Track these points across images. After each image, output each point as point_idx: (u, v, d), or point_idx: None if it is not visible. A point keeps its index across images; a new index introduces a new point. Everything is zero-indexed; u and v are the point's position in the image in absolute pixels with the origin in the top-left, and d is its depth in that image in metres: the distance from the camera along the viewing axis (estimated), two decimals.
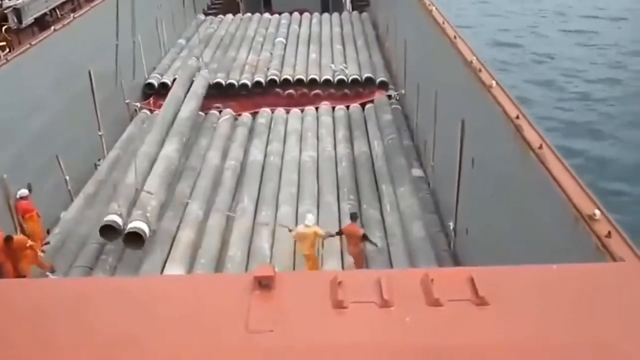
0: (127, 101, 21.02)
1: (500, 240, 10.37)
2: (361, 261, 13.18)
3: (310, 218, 13.41)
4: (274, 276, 4.18)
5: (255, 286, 4.10)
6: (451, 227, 13.33)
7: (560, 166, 8.29)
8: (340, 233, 13.26)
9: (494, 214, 10.70)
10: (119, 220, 13.49)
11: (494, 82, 10.92)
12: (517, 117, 9.59)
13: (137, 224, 13.45)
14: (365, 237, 13.00)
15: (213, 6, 35.86)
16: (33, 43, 15.43)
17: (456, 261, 12.92)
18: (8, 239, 11.87)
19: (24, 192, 13.49)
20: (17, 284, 6.11)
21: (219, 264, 13.85)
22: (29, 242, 12.12)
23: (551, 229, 8.42)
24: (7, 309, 4.26)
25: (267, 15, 32.08)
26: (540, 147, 8.70)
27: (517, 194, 9.58)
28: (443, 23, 14.88)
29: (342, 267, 13.35)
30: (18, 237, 12.16)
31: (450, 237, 13.47)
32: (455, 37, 13.71)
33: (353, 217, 13.39)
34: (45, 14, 19.37)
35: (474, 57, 12.33)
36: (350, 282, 4.05)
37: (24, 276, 12.01)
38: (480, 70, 11.63)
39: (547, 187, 8.29)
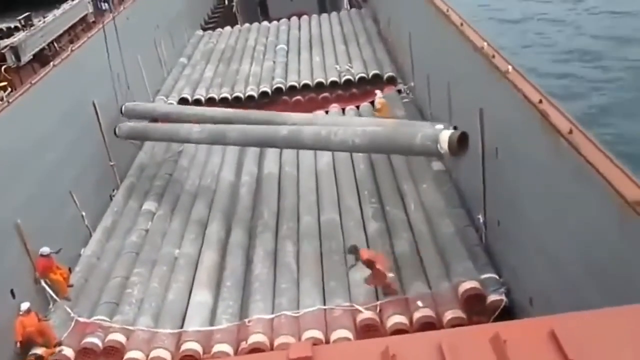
0: None
1: (536, 230, 9.88)
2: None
3: (380, 93, 19.37)
4: (312, 356, 3.52)
5: None
6: (481, 220, 12.82)
7: (595, 150, 7.79)
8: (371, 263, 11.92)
9: (526, 204, 10.21)
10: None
11: (509, 67, 10.42)
12: (540, 102, 9.10)
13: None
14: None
15: (210, 20, 35.51)
16: (33, 82, 15.16)
17: (490, 255, 12.42)
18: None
19: (45, 250, 13.07)
20: None
21: (245, 285, 13.48)
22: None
23: (592, 217, 7.92)
24: None
25: (265, 23, 31.67)
26: (571, 131, 8.21)
27: (550, 182, 9.09)
28: (447, 11, 14.39)
29: None
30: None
31: (481, 231, 12.96)
32: (461, 24, 13.22)
33: (353, 250, 12.24)
34: (43, 48, 19.19)
35: (485, 43, 11.84)
36: (406, 353, 3.38)
37: None
38: (493, 56, 11.14)
39: (583, 173, 7.81)
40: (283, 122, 15.48)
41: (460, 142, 11.25)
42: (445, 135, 11.23)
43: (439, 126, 11.75)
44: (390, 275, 12.27)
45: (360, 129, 13.04)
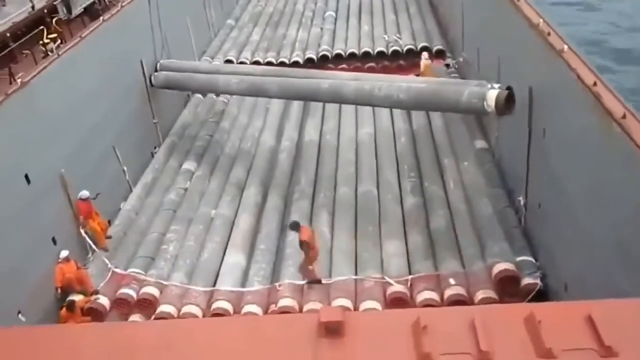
0: None
1: (578, 216, 9.60)
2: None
3: (426, 55, 19.99)
4: (343, 321, 3.53)
5: (322, 332, 3.47)
6: (521, 202, 12.55)
7: None
8: (306, 245, 11.78)
9: (570, 189, 9.91)
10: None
11: (565, 47, 10.03)
12: (595, 84, 8.76)
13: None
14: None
15: None
16: (83, 36, 15.30)
17: (528, 238, 12.18)
18: (70, 307, 11.67)
19: (84, 193, 13.41)
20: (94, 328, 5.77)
21: (279, 249, 13.58)
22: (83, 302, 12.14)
23: (638, 206, 7.64)
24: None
25: None
26: (624, 116, 7.90)
27: (598, 166, 8.79)
28: None
29: (407, 249, 12.85)
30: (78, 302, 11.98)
31: (521, 213, 12.69)
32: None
33: (295, 226, 12.17)
34: (94, 2, 19.32)
35: (541, 20, 11.42)
36: (437, 326, 3.32)
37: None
38: (549, 34, 10.74)
39: (634, 159, 7.52)
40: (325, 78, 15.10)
41: (507, 102, 11.13)
42: (492, 93, 11.16)
43: (488, 85, 11.56)
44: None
45: (406, 84, 12.83)
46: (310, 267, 12.06)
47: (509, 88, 11.60)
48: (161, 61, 18.69)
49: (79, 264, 12.79)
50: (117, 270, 12.97)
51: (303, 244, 11.81)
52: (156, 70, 18.50)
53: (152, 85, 18.11)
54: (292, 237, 13.51)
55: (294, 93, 15.44)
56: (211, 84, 17.38)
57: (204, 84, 17.70)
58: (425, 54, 20.24)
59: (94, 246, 13.65)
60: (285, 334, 3.72)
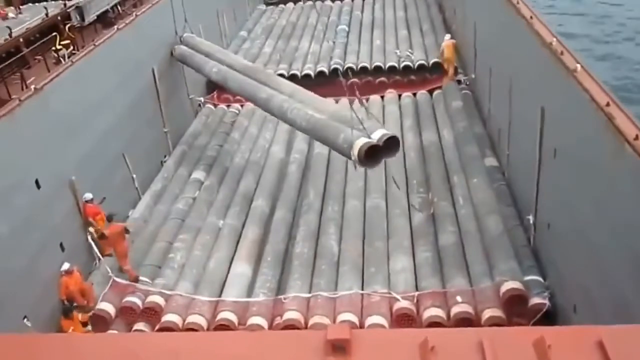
0: (191, 96, 20.95)
1: (589, 237, 9.50)
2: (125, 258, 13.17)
3: (448, 35, 21.11)
4: (350, 339, 3.53)
5: (329, 350, 3.47)
6: (530, 221, 12.46)
7: None
8: (104, 237, 13.09)
9: (581, 209, 9.82)
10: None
11: (578, 66, 9.99)
12: (608, 105, 8.70)
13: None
14: (127, 230, 13.22)
15: None
16: (97, 44, 15.44)
17: (537, 258, 12.08)
18: (66, 313, 11.96)
19: (88, 195, 13.50)
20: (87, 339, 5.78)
21: (285, 262, 13.54)
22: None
23: None
24: None
25: (328, 2, 31.44)
26: (637, 137, 7.83)
27: (609, 188, 8.70)
28: (517, 3, 13.90)
29: (414, 264, 12.76)
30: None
31: (530, 232, 12.60)
32: (531, 17, 12.75)
33: (110, 218, 13.44)
34: (107, 10, 19.51)
35: (554, 39, 11.39)
36: (445, 347, 3.29)
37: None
38: (561, 53, 10.70)
39: None
40: (272, 86, 15.79)
41: (374, 154, 11.27)
42: (359, 142, 11.16)
43: (372, 131, 11.48)
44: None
45: (311, 113, 13.40)
46: (124, 264, 13.02)
47: (391, 138, 11.48)
48: (184, 35, 19.74)
49: (82, 276, 12.74)
50: (118, 279, 12.94)
51: (102, 235, 13.02)
52: (180, 41, 19.71)
53: (172, 55, 19.31)
54: (299, 249, 13.51)
55: (245, 93, 16.74)
56: (201, 66, 18.50)
57: (198, 64, 18.73)
58: (448, 35, 21.31)
59: (99, 254, 13.66)
60: (291, 351, 3.68)
